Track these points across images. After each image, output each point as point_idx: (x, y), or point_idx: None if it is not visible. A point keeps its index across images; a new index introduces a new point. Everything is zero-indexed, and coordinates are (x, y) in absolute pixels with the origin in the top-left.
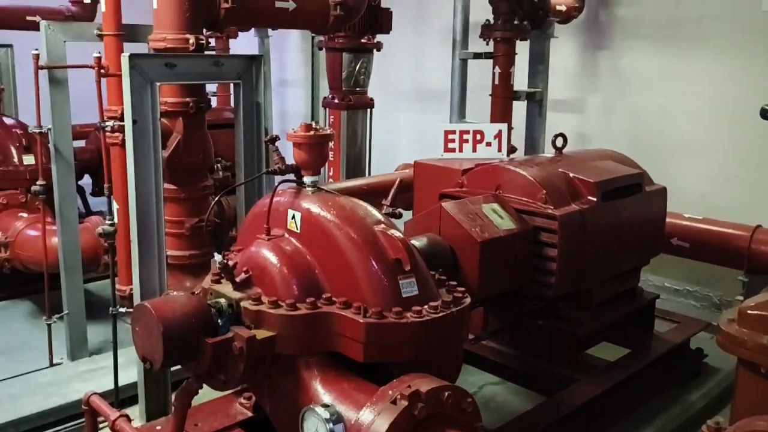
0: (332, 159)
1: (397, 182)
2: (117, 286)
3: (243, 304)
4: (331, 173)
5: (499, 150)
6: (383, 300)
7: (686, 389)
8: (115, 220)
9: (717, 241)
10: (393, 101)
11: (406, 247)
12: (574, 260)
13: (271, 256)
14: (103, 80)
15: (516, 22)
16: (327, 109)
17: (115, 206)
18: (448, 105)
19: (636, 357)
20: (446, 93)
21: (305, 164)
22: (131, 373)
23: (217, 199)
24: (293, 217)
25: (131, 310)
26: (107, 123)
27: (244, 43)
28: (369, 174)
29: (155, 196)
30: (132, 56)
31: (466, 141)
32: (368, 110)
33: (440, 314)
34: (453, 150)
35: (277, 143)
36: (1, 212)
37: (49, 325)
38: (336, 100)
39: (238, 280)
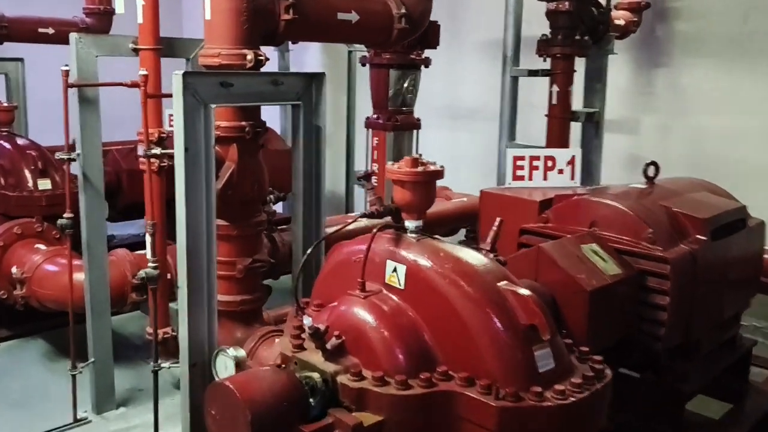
0: (376, 184)
1: (497, 223)
2: (147, 329)
3: (340, 379)
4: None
5: (572, 178)
6: (516, 376)
7: None
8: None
9: None
10: (423, 119)
11: (542, 310)
12: (685, 308)
13: (369, 318)
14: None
15: (577, 37)
16: (370, 129)
17: (148, 240)
18: (482, 123)
19: (741, 413)
20: (481, 111)
21: (409, 206)
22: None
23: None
24: (395, 269)
25: (176, 363)
26: (155, 150)
27: None
28: None
29: (206, 234)
30: (186, 75)
31: (536, 168)
32: (414, 131)
33: (585, 393)
34: (522, 178)
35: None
36: (15, 243)
37: (73, 376)
38: (381, 120)
39: (329, 346)
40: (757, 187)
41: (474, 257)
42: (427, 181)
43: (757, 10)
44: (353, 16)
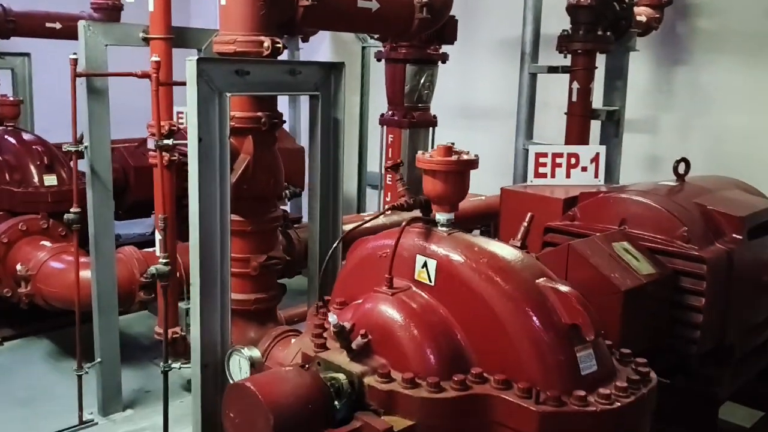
0: (390, 183)
1: (528, 218)
2: (156, 329)
3: (367, 380)
4: (388, 198)
5: (596, 175)
6: (557, 379)
7: None
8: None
9: None
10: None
11: (586, 308)
12: (720, 310)
13: (396, 315)
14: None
15: (599, 32)
16: (384, 126)
17: (158, 236)
18: (497, 122)
19: None
20: (496, 109)
21: (440, 198)
22: None
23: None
24: (424, 265)
25: (187, 364)
26: (167, 141)
27: None
28: None
29: (220, 230)
30: (200, 61)
31: (559, 165)
32: (431, 129)
33: (631, 398)
34: (544, 175)
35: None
36: (20, 240)
37: (79, 377)
38: (396, 117)
39: (354, 346)
40: None
41: (510, 252)
42: (460, 171)
43: None
44: (373, 4)
